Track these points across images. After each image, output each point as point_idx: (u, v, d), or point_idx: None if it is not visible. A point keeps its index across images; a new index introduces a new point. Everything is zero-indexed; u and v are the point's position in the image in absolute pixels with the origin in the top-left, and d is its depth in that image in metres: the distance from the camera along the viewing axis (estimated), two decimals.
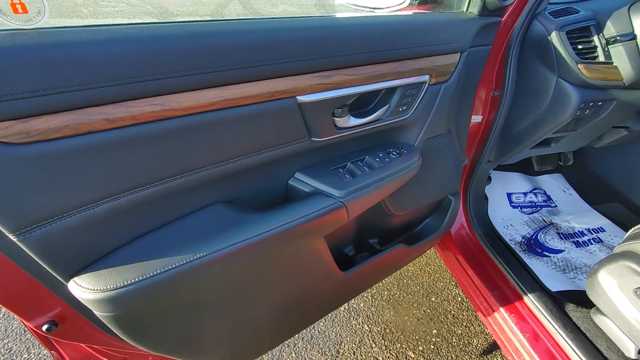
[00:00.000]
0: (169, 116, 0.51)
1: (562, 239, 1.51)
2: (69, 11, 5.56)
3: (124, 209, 0.54)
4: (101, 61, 0.45)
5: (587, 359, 0.97)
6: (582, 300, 1.12)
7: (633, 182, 1.60)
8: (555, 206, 1.69)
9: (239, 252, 0.63)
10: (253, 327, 0.84)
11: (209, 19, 0.58)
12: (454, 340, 1.60)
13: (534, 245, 1.47)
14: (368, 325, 1.64)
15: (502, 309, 1.19)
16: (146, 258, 0.57)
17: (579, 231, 1.55)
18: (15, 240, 0.45)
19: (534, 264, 1.37)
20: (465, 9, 0.87)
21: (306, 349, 1.54)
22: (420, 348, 1.56)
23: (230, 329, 0.79)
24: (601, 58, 1.00)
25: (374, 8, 0.92)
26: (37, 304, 0.56)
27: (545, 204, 1.69)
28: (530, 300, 1.16)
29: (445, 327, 1.65)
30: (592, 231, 1.54)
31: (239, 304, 0.76)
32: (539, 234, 1.53)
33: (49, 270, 0.50)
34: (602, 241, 1.51)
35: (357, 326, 1.64)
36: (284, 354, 1.51)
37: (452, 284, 1.86)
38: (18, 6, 0.42)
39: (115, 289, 0.51)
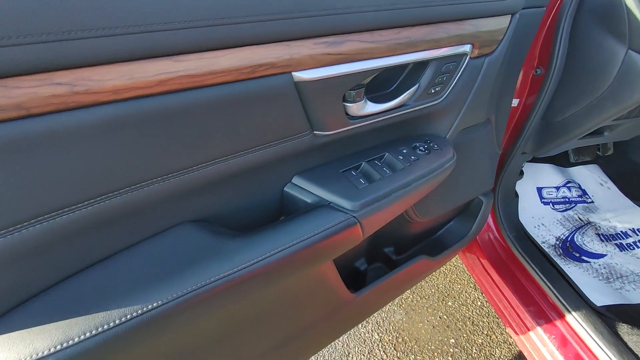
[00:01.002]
0: (83, 103, 0.32)
1: (602, 241, 1.32)
2: None
3: (53, 236, 0.35)
4: None
5: None
6: (636, 317, 0.95)
7: None
8: (592, 202, 1.49)
9: (215, 294, 0.45)
10: None
11: None
12: (474, 350, 1.43)
13: (570, 249, 1.28)
14: (378, 334, 1.48)
15: (539, 329, 1.01)
16: (82, 306, 0.39)
17: (622, 232, 1.35)
18: None
19: (573, 271, 1.19)
20: None
21: None
22: None
23: None
24: None
25: None
26: None
27: (580, 199, 1.49)
28: (574, 319, 0.98)
29: (464, 335, 1.49)
30: (637, 232, 1.34)
31: (225, 349, 0.59)
32: (575, 235, 1.33)
33: None
34: None
35: (366, 335, 1.48)
36: None
37: (471, 286, 1.69)
38: None
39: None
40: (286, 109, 0.47)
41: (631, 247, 1.29)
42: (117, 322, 0.38)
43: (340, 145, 0.61)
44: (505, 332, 1.48)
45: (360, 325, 1.51)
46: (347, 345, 1.44)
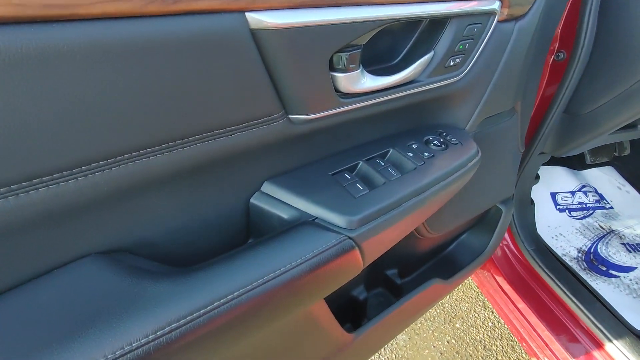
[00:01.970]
0: None
1: (630, 251, 1.16)
2: None
3: None
4: None
5: None
6: None
7: None
8: (611, 207, 1.34)
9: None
10: None
11: None
12: None
13: (595, 262, 1.13)
14: None
15: (568, 353, 0.84)
16: None
17: None
18: None
19: (602, 288, 1.03)
20: None
21: None
22: None
23: None
24: None
25: None
26: None
27: (598, 205, 1.35)
28: (615, 347, 0.81)
29: None
30: None
31: None
32: (598, 246, 1.18)
33: None
34: None
35: None
36: None
37: (480, 305, 1.52)
38: None
39: None
40: (241, 75, 0.30)
41: None
42: None
43: (329, 136, 0.44)
44: (522, 356, 1.31)
45: None
46: None
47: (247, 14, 0.27)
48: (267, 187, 0.41)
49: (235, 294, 0.31)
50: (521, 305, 1.00)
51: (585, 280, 1.00)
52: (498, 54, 0.51)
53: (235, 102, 0.31)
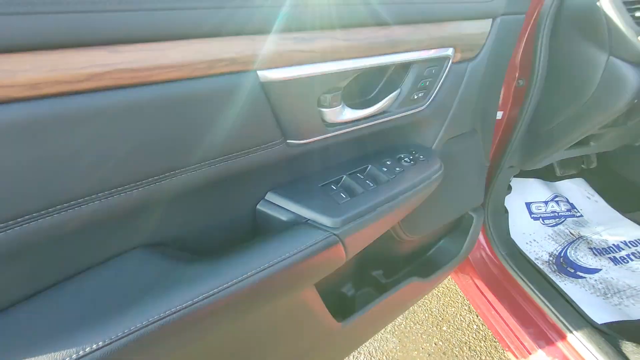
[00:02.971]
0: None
1: (596, 255, 1.28)
2: None
3: None
4: None
5: None
6: (636, 333, 0.89)
7: None
8: (581, 215, 1.46)
9: (170, 330, 0.37)
10: None
11: None
12: None
13: (564, 264, 1.24)
14: None
15: (541, 352, 0.94)
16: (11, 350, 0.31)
17: (614, 245, 1.32)
18: None
19: (569, 288, 1.14)
20: None
21: None
22: None
23: None
24: None
25: None
26: None
27: (569, 213, 1.47)
28: (577, 339, 0.91)
29: None
30: (629, 244, 1.31)
31: None
32: (568, 250, 1.30)
33: None
34: None
35: None
36: None
37: (465, 309, 1.61)
38: None
39: None
40: (253, 113, 0.41)
41: (625, 260, 1.25)
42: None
43: (318, 156, 0.55)
44: (505, 356, 1.40)
45: (351, 356, 1.41)
46: None
47: (259, 72, 0.39)
48: (270, 196, 0.52)
49: (244, 276, 0.42)
50: (496, 303, 1.10)
51: (554, 281, 1.11)
52: (454, 88, 0.63)
53: (248, 132, 0.42)
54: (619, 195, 1.50)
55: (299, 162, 0.54)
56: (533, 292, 1.03)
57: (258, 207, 0.52)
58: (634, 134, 1.12)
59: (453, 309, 1.61)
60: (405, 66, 0.54)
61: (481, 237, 1.18)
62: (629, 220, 1.42)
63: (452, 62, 0.59)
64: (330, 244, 0.48)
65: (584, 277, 1.19)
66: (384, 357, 1.41)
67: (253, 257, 0.44)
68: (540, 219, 1.43)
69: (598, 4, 0.75)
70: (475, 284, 1.19)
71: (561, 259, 1.26)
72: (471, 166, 0.81)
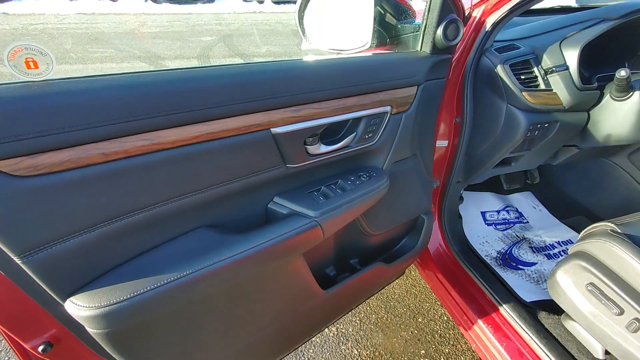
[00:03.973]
0: (157, 149, 0.59)
1: (534, 252, 1.59)
2: (59, 56, 5.73)
3: (118, 233, 0.60)
4: (97, 105, 0.53)
5: None
6: (554, 308, 1.19)
7: (592, 196, 1.72)
8: (527, 222, 1.79)
9: (222, 270, 0.69)
10: (242, 346, 0.88)
11: (196, 65, 0.68)
12: (442, 359, 1.62)
13: (508, 260, 1.55)
14: (357, 349, 1.66)
15: (480, 322, 1.24)
16: (137, 278, 0.62)
17: (549, 244, 1.64)
18: (19, 262, 0.51)
19: (509, 277, 1.44)
20: (419, 49, 1.00)
21: None
22: None
23: (218, 349, 0.83)
24: (542, 86, 1.14)
25: (340, 50, 1.04)
26: (34, 325, 0.60)
27: (517, 220, 1.79)
28: (506, 312, 1.22)
29: (433, 346, 1.68)
30: (561, 243, 1.63)
31: (225, 324, 0.81)
32: (513, 249, 1.61)
33: (48, 290, 0.55)
34: None
35: (347, 351, 1.65)
36: None
37: (438, 304, 1.90)
38: (31, 63, 0.50)
39: (109, 305, 0.57)
40: (267, 150, 0.75)
41: (557, 256, 1.57)
42: (166, 281, 0.62)
43: (306, 174, 0.89)
44: (466, 341, 1.68)
45: (340, 343, 1.69)
46: None
47: (271, 129, 0.73)
48: (276, 199, 0.85)
49: (260, 243, 0.74)
50: (452, 291, 1.40)
51: (497, 272, 1.42)
52: (394, 129, 0.97)
53: (265, 161, 0.76)
54: (558, 205, 1.84)
55: (295, 178, 0.87)
56: (478, 280, 1.34)
57: (269, 206, 0.85)
58: (540, 157, 1.47)
59: (428, 305, 1.90)
60: (358, 119, 0.88)
61: (440, 238, 1.49)
62: (564, 225, 1.74)
63: (391, 114, 0.94)
64: (312, 226, 0.80)
65: (523, 269, 1.50)
66: (368, 343, 1.69)
67: (265, 234, 0.77)
68: (493, 225, 1.75)
69: (495, 70, 1.11)
70: (438, 277, 1.49)
71: (506, 255, 1.58)
72: (415, 180, 1.14)
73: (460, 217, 1.57)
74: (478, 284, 1.33)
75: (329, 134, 0.89)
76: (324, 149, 0.84)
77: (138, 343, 0.66)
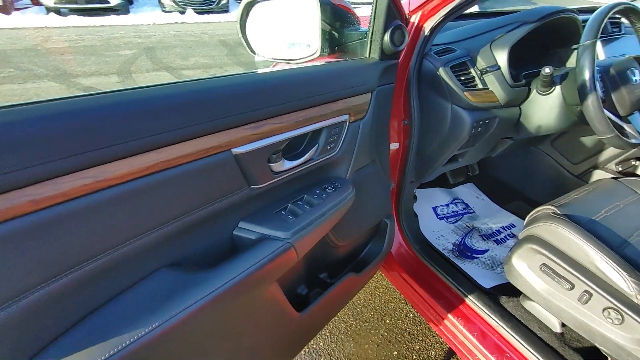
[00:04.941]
0: (102, 187, 0.50)
1: (484, 239, 1.70)
2: None
3: (60, 293, 0.49)
4: (21, 141, 0.43)
5: (527, 343, 1.09)
6: (513, 290, 1.27)
7: (526, 181, 1.90)
8: (474, 212, 1.90)
9: (190, 318, 0.60)
10: None
11: (133, 86, 0.58)
12: (414, 356, 1.65)
13: (464, 250, 1.63)
14: None
15: (449, 315, 1.28)
16: (86, 346, 0.52)
17: (496, 230, 1.76)
18: None
19: (467, 266, 1.52)
20: (367, 55, 1.00)
21: None
22: None
23: None
24: (480, 85, 1.21)
25: (290, 60, 1.00)
26: None
27: (465, 211, 1.90)
28: (472, 301, 1.27)
29: (404, 345, 1.70)
30: (505, 228, 1.77)
31: None
32: (465, 239, 1.70)
33: None
34: (515, 235, 1.73)
35: None
36: None
37: (402, 302, 1.93)
38: None
39: None
40: (229, 173, 0.68)
41: (504, 240, 1.69)
42: (125, 344, 0.52)
43: (272, 193, 0.83)
44: (437, 335, 1.73)
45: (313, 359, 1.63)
46: None
47: (232, 150, 0.66)
48: (242, 224, 0.77)
49: (231, 278, 0.67)
50: (417, 287, 1.43)
51: (455, 263, 1.48)
52: (354, 138, 0.96)
53: (227, 185, 0.68)
54: (497, 193, 1.99)
55: (260, 199, 0.80)
56: (440, 274, 1.38)
57: (234, 232, 0.77)
58: (482, 151, 1.58)
59: (393, 305, 1.92)
60: (319, 131, 0.85)
61: (400, 239, 1.52)
62: (505, 211, 1.89)
63: (349, 123, 0.92)
64: (286, 249, 0.75)
65: (477, 257, 1.59)
66: (341, 355, 1.66)
67: (236, 266, 0.69)
68: (445, 219, 1.83)
69: (438, 72, 1.16)
70: (402, 276, 1.51)
71: (461, 246, 1.66)
72: (377, 186, 1.14)
73: (415, 215, 1.61)
74: (442, 278, 1.37)
75: (290, 149, 0.84)
76: (288, 164, 0.79)
77: None
